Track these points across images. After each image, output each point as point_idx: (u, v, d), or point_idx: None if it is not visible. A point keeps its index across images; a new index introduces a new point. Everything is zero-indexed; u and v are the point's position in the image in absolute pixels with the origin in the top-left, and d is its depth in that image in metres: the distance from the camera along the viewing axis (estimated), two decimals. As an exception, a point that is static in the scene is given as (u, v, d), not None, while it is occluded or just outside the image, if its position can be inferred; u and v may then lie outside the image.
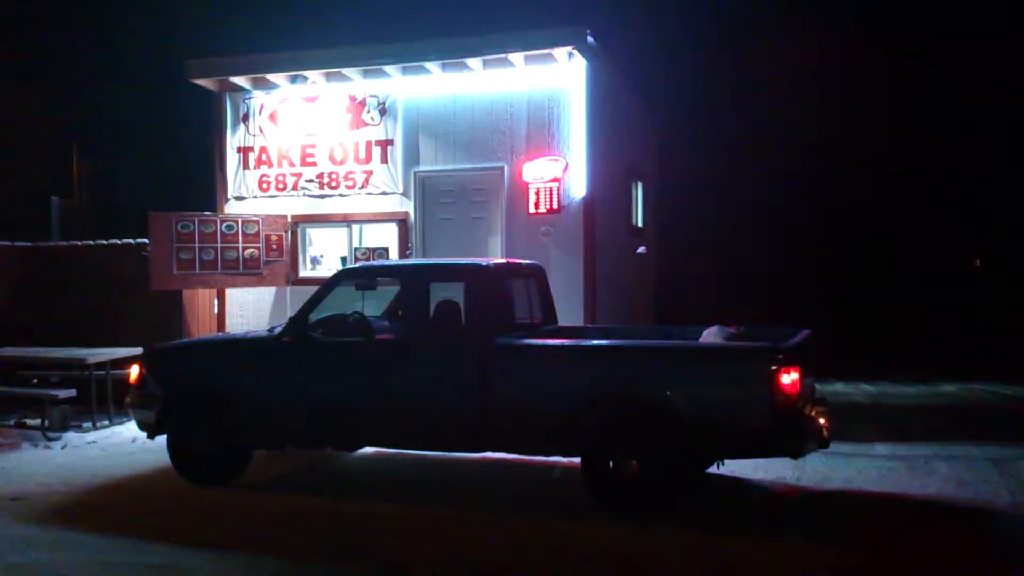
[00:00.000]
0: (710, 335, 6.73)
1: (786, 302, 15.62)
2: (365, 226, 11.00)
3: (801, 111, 17.36)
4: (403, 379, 6.63)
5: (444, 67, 10.35)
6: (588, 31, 9.59)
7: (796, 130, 17.52)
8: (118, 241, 11.93)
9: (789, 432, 5.72)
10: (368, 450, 8.00)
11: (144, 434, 7.44)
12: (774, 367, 5.61)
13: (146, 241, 10.75)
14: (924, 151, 17.65)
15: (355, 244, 10.98)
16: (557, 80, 10.17)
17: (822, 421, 6.08)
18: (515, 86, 10.31)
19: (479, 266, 6.98)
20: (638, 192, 13.16)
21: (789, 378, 5.61)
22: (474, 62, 10.15)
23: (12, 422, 9.88)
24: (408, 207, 10.72)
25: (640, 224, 13.30)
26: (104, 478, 7.40)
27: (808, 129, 17.56)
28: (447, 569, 5.13)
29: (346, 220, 10.96)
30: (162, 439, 7.25)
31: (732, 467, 6.86)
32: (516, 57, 9.94)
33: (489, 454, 6.95)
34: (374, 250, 10.85)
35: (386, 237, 10.87)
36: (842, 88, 17.36)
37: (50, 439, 9.03)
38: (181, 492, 6.87)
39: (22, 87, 16.23)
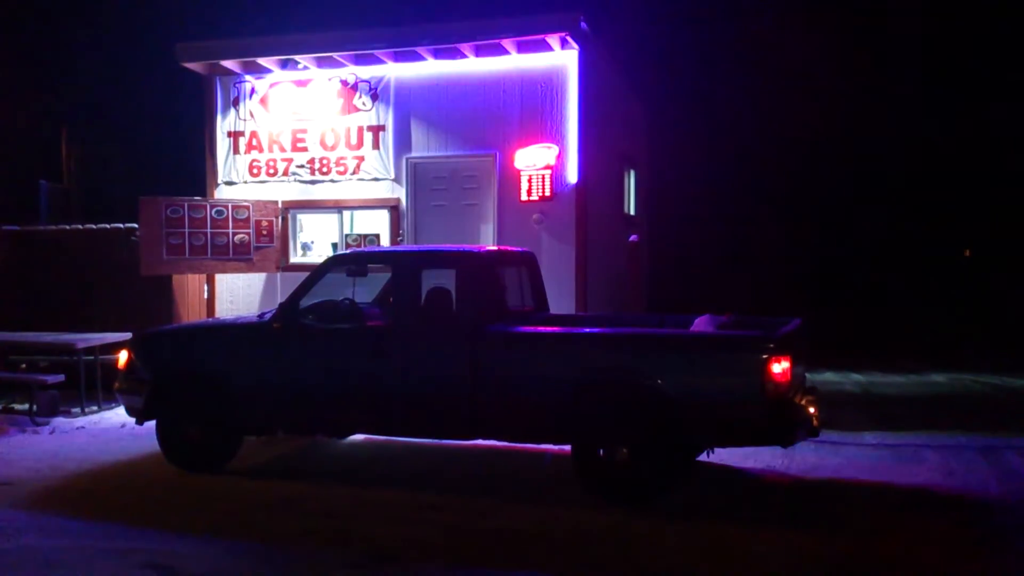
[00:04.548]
0: (701, 324, 6.73)
1: (778, 291, 15.64)
2: (356, 212, 10.96)
3: (795, 100, 17.34)
4: (394, 366, 6.61)
5: (437, 52, 10.29)
6: (582, 17, 9.55)
7: (790, 119, 17.51)
8: (107, 226, 11.84)
9: (779, 421, 5.72)
10: (359, 437, 7.99)
11: (133, 420, 7.40)
12: (765, 356, 5.62)
13: (135, 226, 10.68)
14: (914, 141, 17.68)
15: (346, 230, 10.94)
16: (550, 66, 10.12)
17: (812, 410, 6.09)
18: (508, 72, 10.26)
19: (470, 253, 6.96)
20: (630, 180, 13.15)
21: (780, 367, 5.62)
22: (467, 48, 10.09)
23: (0, 407, 9.83)
24: (400, 193, 10.67)
25: (632, 212, 13.30)
26: (93, 464, 7.37)
27: (802, 118, 17.55)
28: (437, 555, 5.13)
29: (337, 206, 10.91)
30: (151, 425, 7.21)
31: (722, 455, 6.89)
32: (509, 43, 9.89)
33: (480, 441, 6.95)
34: (365, 236, 10.82)
35: (377, 223, 10.83)
36: (837, 76, 17.33)
37: (38, 424, 8.99)
38: (170, 478, 6.85)
39: (11, 71, 16.07)
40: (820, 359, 10.92)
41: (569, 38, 9.70)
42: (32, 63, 16.63)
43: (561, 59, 10.06)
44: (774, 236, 17.42)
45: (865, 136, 17.39)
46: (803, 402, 6.07)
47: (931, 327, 16.00)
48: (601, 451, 6.00)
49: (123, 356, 7.39)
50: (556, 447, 7.03)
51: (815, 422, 6.10)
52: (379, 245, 10.64)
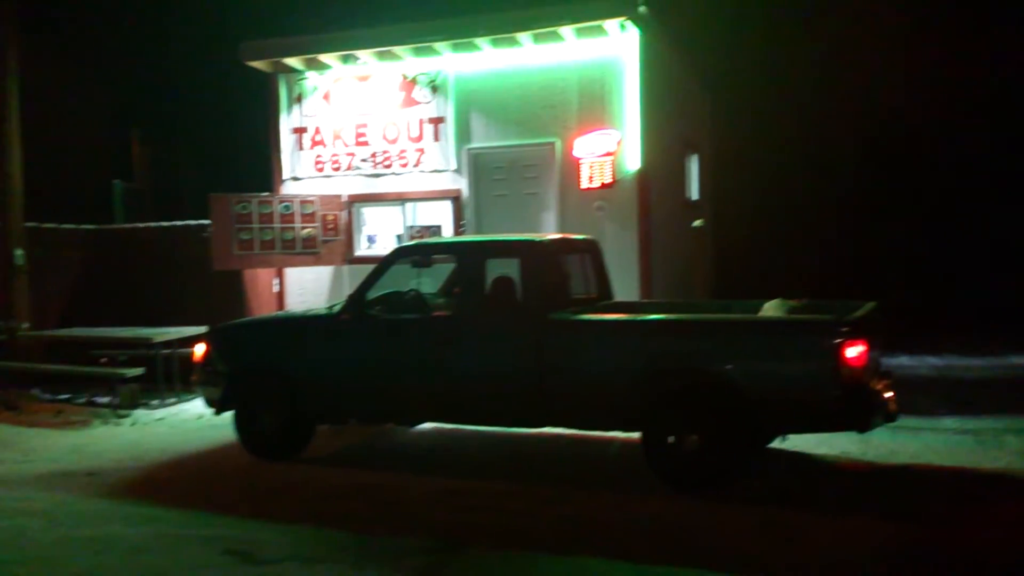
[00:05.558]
0: (771, 309, 6.61)
1: (850, 275, 15.25)
2: (418, 204, 11.05)
3: (865, 75, 16.80)
4: (460, 356, 6.66)
5: (494, 43, 10.29)
6: (640, 1, 9.43)
7: (860, 96, 17.01)
8: (179, 223, 12.18)
9: (856, 406, 5.59)
10: (427, 426, 8.07)
11: (210, 410, 7.60)
12: (839, 340, 5.49)
13: (206, 222, 10.95)
14: (996, 116, 16.99)
15: (409, 222, 11.04)
16: (609, 52, 10.03)
17: (889, 394, 5.95)
18: (566, 60, 10.21)
19: (534, 242, 6.96)
20: (693, 164, 12.97)
21: (855, 351, 5.49)
22: (524, 37, 10.07)
23: (83, 400, 10.21)
24: (461, 184, 10.72)
25: (696, 196, 13.12)
26: (173, 454, 7.62)
27: (872, 94, 17.03)
28: (505, 542, 5.15)
29: (400, 199, 11.02)
30: (228, 415, 7.41)
31: (796, 441, 6.77)
32: (566, 30, 9.83)
33: (547, 430, 6.96)
34: (428, 228, 10.90)
35: (439, 215, 10.91)
36: (912, 50, 16.68)
37: (120, 416, 9.30)
38: (247, 467, 7.03)
39: (83, 76, 16.60)
40: (894, 343, 10.63)
41: (628, 22, 9.60)
42: (103, 68, 17.15)
43: (619, 44, 9.96)
44: (846, 217, 16.95)
45: (942, 109, 16.76)
46: (879, 387, 5.92)
47: (1010, 308, 15.42)
48: (670, 438, 5.95)
49: (200, 349, 7.59)
50: (624, 435, 7.00)
51: (892, 406, 5.96)
52: (441, 236, 10.72)
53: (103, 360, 10.53)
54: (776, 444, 6.47)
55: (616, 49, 9.99)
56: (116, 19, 17.23)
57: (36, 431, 8.82)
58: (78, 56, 16.39)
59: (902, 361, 10.89)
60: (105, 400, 9.92)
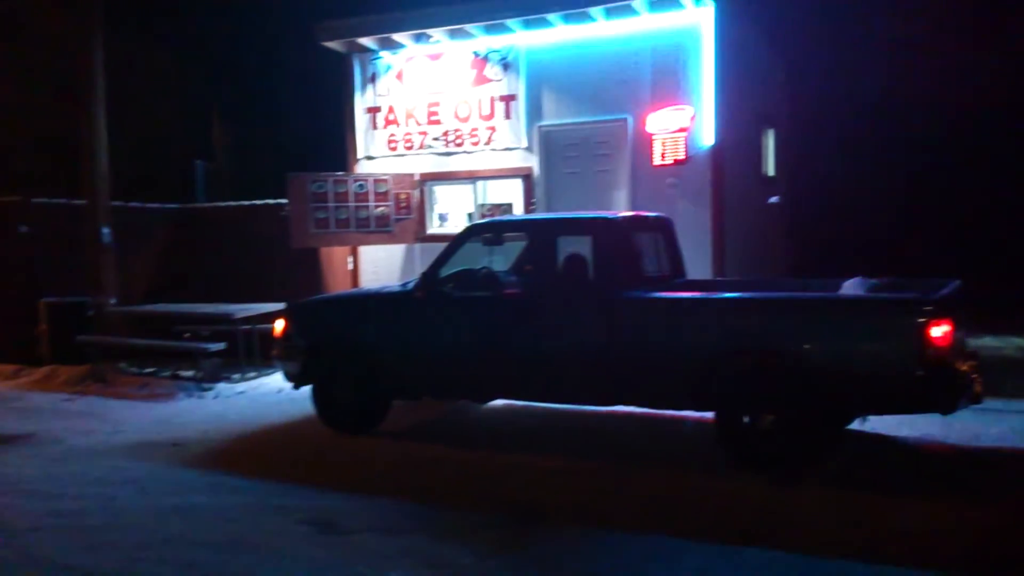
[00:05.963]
0: (851, 287, 6.44)
1: (933, 252, 14.71)
2: (489, 182, 11.08)
3: (954, 40, 16.07)
4: (532, 333, 6.68)
5: (566, 18, 10.21)
6: (716, -28, 9.23)
7: (941, 68, 16.32)
8: (258, 202, 12.47)
9: (940, 388, 5.42)
10: (499, 402, 8.14)
11: (289, 385, 7.80)
12: (923, 319, 5.32)
13: (284, 201, 11.19)
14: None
15: (480, 200, 11.08)
16: (683, 24, 9.84)
17: (974, 376, 5.75)
18: (639, 34, 10.06)
19: (606, 219, 6.92)
20: (769, 139, 12.66)
21: (940, 331, 5.31)
22: (596, 11, 9.96)
23: (168, 374, 10.59)
24: (532, 162, 10.70)
25: (772, 173, 12.82)
26: (254, 426, 7.86)
27: (953, 67, 16.33)
28: (578, 518, 5.17)
29: (471, 177, 11.06)
30: (306, 389, 7.60)
31: (875, 423, 6.62)
32: (640, 3, 9.68)
33: (619, 408, 6.95)
34: (498, 206, 10.93)
35: (510, 193, 10.92)
36: (1002, 21, 15.89)
37: (203, 390, 9.62)
38: (325, 440, 7.21)
39: (166, 58, 17.08)
40: (978, 323, 10.24)
41: (703, -6, 9.41)
42: (185, 48, 17.60)
43: (694, 17, 9.76)
44: (928, 194, 16.33)
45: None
46: (965, 368, 5.73)
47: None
48: (745, 418, 5.87)
49: (279, 325, 7.78)
50: (696, 414, 6.93)
51: (978, 388, 5.76)
52: (512, 214, 10.73)
53: (186, 335, 10.89)
54: (856, 425, 6.32)
55: (691, 21, 9.79)
56: (197, 1, 17.63)
57: (124, 403, 9.20)
58: (161, 38, 16.85)
59: (986, 342, 10.50)
60: (189, 374, 10.27)
